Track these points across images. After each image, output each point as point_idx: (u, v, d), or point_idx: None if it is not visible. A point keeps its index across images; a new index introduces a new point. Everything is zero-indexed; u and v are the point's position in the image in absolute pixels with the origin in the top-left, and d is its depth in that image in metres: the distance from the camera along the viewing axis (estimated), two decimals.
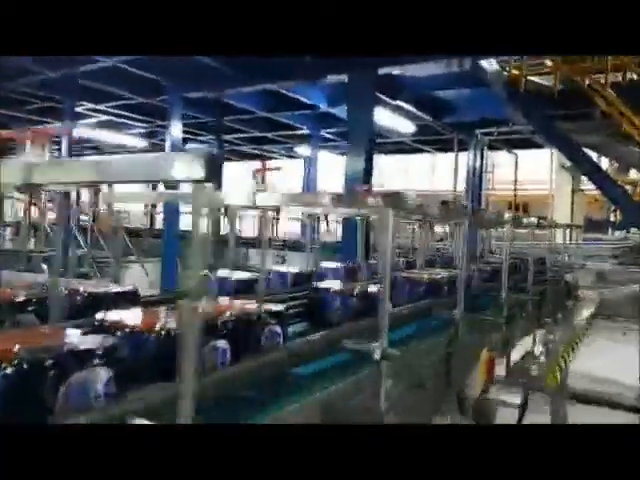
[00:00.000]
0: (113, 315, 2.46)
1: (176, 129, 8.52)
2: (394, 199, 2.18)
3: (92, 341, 1.96)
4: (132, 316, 2.49)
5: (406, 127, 9.43)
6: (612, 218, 13.08)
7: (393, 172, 20.46)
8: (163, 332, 2.22)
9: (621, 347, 7.67)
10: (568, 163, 10.96)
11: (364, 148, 6.48)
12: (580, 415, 4.90)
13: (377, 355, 2.42)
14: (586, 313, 6.10)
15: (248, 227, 18.56)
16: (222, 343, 2.39)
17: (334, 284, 4.06)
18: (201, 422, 1.39)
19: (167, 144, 8.59)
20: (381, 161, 18.06)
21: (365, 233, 5.65)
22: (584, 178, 12.61)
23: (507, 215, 4.65)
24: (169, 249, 8.58)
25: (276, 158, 17.76)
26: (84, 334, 2.18)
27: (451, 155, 11.36)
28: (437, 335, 3.70)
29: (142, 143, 13.97)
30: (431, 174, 20.20)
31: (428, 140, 11.98)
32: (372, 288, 4.00)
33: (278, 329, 2.80)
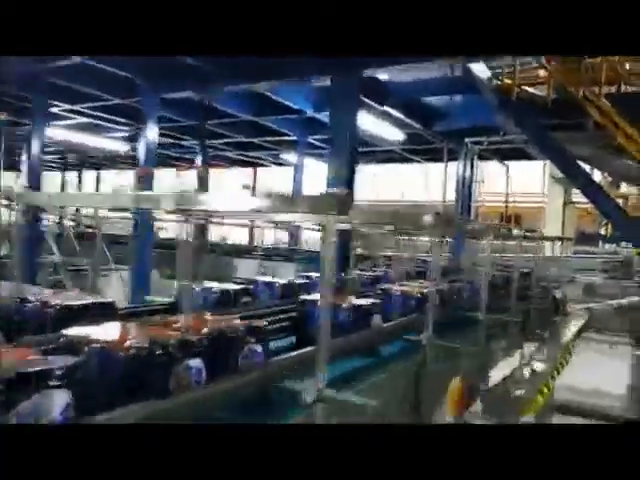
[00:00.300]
0: (82, 330, 2.36)
1: (152, 132, 8.33)
2: (338, 203, 1.86)
3: (51, 361, 1.86)
4: (103, 331, 2.39)
5: (395, 135, 9.40)
6: (602, 231, 13.20)
7: (387, 182, 20.49)
8: (133, 349, 2.14)
9: (608, 360, 7.71)
10: (559, 174, 11.00)
11: (347, 154, 6.35)
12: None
13: (310, 397, 2.00)
14: (574, 330, 5.93)
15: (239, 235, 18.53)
16: (196, 362, 2.32)
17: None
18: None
19: (141, 147, 8.41)
20: (374, 171, 18.09)
21: (344, 243, 5.55)
22: (575, 191, 12.72)
23: (488, 226, 4.44)
24: (141, 258, 8.34)
25: (265, 165, 17.71)
26: (45, 352, 2.08)
27: (443, 165, 11.37)
28: (401, 363, 3.46)
29: (124, 147, 13.84)
30: (425, 184, 20.24)
31: (418, 149, 11.99)
32: (362, 301, 3.97)
33: (258, 347, 2.73)
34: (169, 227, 17.05)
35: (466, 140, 10.33)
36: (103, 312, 3.09)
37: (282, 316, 3.84)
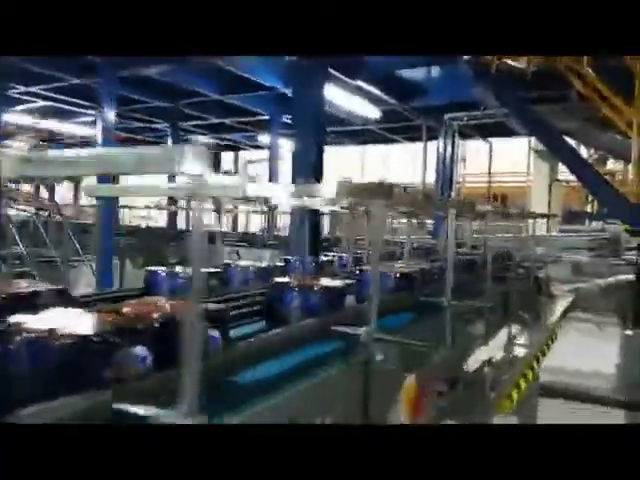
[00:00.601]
0: (17, 318, 2.22)
1: (109, 113, 8.03)
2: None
3: None
4: (39, 319, 2.25)
5: (370, 112, 9.14)
6: (589, 209, 13.22)
7: (375, 165, 20.44)
8: (66, 338, 1.95)
9: (595, 341, 7.71)
10: (541, 147, 10.84)
11: (313, 131, 6.06)
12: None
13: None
14: (558, 312, 5.65)
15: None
16: (140, 350, 2.19)
17: (294, 279, 3.76)
18: None
19: (98, 131, 8.12)
20: (361, 153, 17.94)
21: (314, 225, 5.42)
22: (562, 169, 12.69)
23: (450, 202, 4.10)
24: (104, 245, 8.14)
25: (244, 149, 17.51)
26: None
27: (428, 144, 11.14)
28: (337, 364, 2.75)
29: (92, 132, 13.55)
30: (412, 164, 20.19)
31: (397, 128, 11.81)
32: (334, 282, 3.80)
33: (215, 333, 2.58)
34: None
35: (445, 116, 10.10)
36: (55, 300, 2.97)
37: (252, 299, 3.66)
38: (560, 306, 5.93)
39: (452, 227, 2.91)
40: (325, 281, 3.75)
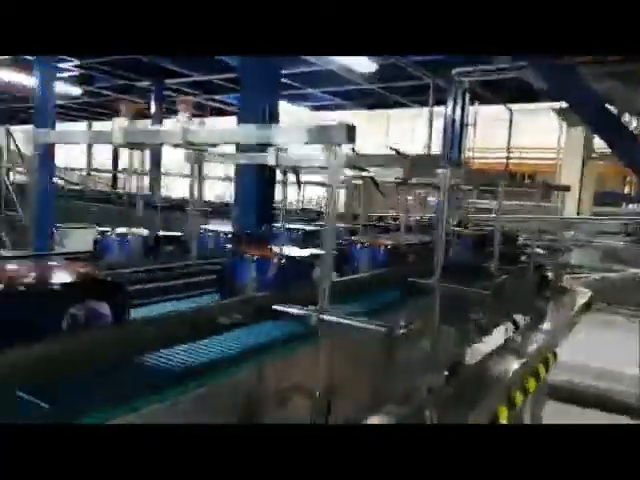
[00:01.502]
0: None
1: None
2: None
3: None
4: None
5: (361, 65, 8.28)
6: (627, 190, 12.59)
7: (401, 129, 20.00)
8: None
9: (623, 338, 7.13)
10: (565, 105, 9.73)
11: (265, 81, 5.19)
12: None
13: None
14: (567, 314, 4.62)
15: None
16: None
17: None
18: None
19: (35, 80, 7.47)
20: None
21: (266, 188, 4.85)
22: (598, 143, 11.87)
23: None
24: (41, 204, 7.74)
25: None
26: None
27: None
28: None
29: (76, 90, 13.20)
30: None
31: (402, 87, 11.02)
32: (301, 252, 3.55)
33: (102, 306, 2.18)
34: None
35: (453, 71, 9.00)
36: None
37: (206, 268, 3.56)
38: (569, 308, 4.83)
39: (363, 201, 2.44)
40: (286, 250, 3.50)
